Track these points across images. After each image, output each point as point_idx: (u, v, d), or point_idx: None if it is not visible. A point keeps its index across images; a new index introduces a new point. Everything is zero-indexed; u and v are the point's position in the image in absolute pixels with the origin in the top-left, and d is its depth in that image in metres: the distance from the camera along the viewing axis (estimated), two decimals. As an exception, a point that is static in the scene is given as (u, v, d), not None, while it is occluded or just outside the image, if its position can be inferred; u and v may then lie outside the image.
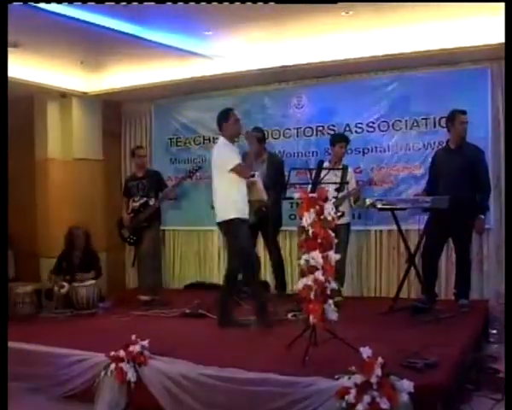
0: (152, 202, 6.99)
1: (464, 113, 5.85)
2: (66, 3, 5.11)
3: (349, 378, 3.56)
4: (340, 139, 6.54)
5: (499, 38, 4.31)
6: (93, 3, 5.09)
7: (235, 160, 5.37)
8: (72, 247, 6.98)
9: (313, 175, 4.72)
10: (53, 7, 5.16)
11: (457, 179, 5.73)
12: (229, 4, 5.15)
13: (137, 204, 7.01)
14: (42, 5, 5.08)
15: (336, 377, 3.64)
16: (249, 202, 6.76)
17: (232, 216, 5.36)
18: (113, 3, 5.07)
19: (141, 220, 6.95)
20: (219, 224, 5.54)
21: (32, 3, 4.99)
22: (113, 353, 4.36)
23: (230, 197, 5.38)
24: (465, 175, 5.75)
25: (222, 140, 5.53)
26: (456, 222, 5.71)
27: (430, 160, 6.29)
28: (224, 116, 5.51)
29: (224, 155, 5.40)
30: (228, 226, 5.44)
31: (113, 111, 8.65)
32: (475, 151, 5.91)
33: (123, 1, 5.03)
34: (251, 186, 6.40)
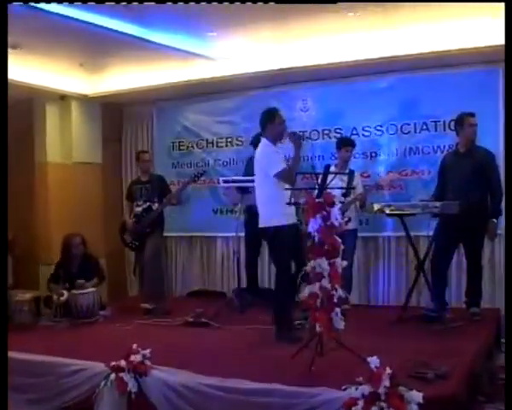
0: (155, 206, 7.02)
1: (473, 115, 5.84)
2: (67, 4, 5.13)
3: (356, 389, 3.55)
4: (346, 143, 6.55)
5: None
6: (94, 4, 5.10)
7: (280, 164, 5.20)
8: (70, 254, 6.97)
9: (319, 180, 4.72)
10: (52, 7, 5.17)
11: (468, 183, 5.72)
12: (234, 5, 5.16)
13: (140, 209, 7.05)
14: (41, 5, 5.09)
15: (343, 387, 3.63)
16: (252, 207, 6.82)
17: (275, 223, 5.19)
18: (113, 4, 5.08)
19: (144, 226, 6.98)
20: (261, 229, 5.38)
21: (32, 4, 5.01)
22: (113, 362, 4.36)
23: (274, 203, 5.18)
24: (475, 179, 5.74)
25: (265, 142, 5.36)
26: (466, 227, 5.70)
27: (439, 163, 6.27)
28: (269, 116, 5.35)
29: (268, 159, 5.25)
30: (270, 234, 5.27)
31: (113, 114, 8.67)
32: (485, 154, 5.89)
33: (123, 0, 5.03)
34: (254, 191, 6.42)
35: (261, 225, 5.35)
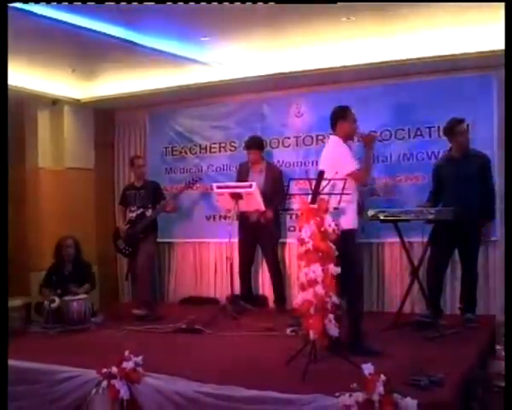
0: (149, 213, 7.05)
1: (462, 121, 5.87)
2: (59, 6, 5.11)
3: (350, 396, 3.56)
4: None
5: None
6: (86, 8, 5.09)
7: (354, 163, 5.03)
8: (62, 259, 6.97)
9: (313, 186, 4.73)
10: (45, 11, 5.17)
11: (463, 189, 5.75)
12: (227, 10, 5.16)
13: (134, 214, 7.10)
14: (33, 9, 5.09)
15: (337, 394, 3.63)
16: (246, 213, 6.84)
17: (350, 226, 4.96)
18: (107, 6, 5.06)
19: (137, 231, 7.00)
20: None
21: (26, 6, 5.00)
22: (105, 369, 4.34)
23: (345, 205, 4.92)
24: (471, 184, 5.76)
25: (335, 139, 5.14)
26: (462, 233, 5.73)
27: (432, 170, 6.29)
28: (342, 113, 5.17)
29: (341, 157, 5.01)
30: (343, 237, 4.85)
31: (106, 119, 8.66)
32: (482, 159, 5.93)
33: (121, 0, 5.01)
34: (248, 197, 6.43)
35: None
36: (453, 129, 5.88)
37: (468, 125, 5.97)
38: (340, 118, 5.15)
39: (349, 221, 4.96)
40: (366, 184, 5.16)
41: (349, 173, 4.93)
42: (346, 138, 5.17)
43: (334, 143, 5.16)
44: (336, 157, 5.02)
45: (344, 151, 5.06)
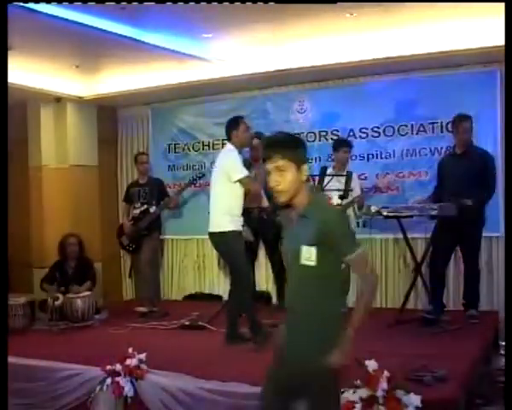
0: (153, 209, 7.05)
1: (466, 118, 5.83)
2: (61, 5, 5.12)
3: (354, 392, 3.55)
4: (342, 144, 6.55)
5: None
6: (89, 5, 5.09)
7: (244, 170, 5.29)
8: (66, 256, 6.97)
9: (316, 182, 4.73)
10: (46, 8, 5.17)
11: (463, 185, 5.72)
12: (230, 6, 5.16)
13: (138, 211, 7.11)
14: (36, 6, 5.08)
15: (341, 390, 3.63)
16: (249, 208, 6.83)
17: (230, 228, 5.24)
18: (109, 5, 5.07)
19: (141, 228, 7.01)
20: (212, 234, 5.40)
21: (27, 4, 5.00)
22: (109, 367, 4.37)
23: (230, 208, 5.27)
24: (471, 180, 5.73)
25: (230, 147, 5.44)
26: (464, 230, 5.71)
27: (437, 165, 6.29)
28: (234, 124, 5.45)
29: (232, 164, 5.30)
30: (222, 238, 5.30)
31: (108, 116, 8.66)
32: (483, 155, 5.90)
33: (123, 0, 5.02)
34: (250, 192, 6.43)
35: (211, 230, 5.38)
36: (457, 124, 5.86)
37: (472, 122, 5.93)
38: (232, 128, 5.47)
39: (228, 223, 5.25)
40: (257, 190, 5.50)
41: (238, 179, 5.23)
42: (241, 146, 5.52)
43: (227, 151, 5.49)
44: (228, 164, 5.34)
45: (234, 159, 5.36)
